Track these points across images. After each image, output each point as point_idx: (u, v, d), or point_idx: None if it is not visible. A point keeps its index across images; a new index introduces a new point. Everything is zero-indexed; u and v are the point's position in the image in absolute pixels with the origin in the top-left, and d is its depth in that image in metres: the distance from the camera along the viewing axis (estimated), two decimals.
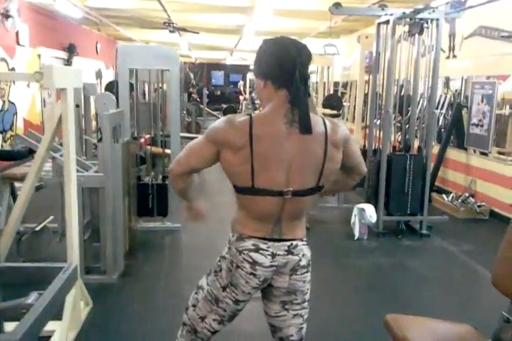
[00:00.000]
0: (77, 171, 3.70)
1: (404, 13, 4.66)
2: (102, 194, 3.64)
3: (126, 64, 4.75)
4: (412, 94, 5.17)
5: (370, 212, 4.80)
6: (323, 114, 8.30)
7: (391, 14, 4.70)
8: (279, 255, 1.74)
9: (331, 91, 10.89)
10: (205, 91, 15.64)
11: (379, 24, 5.01)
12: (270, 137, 1.64)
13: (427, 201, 5.00)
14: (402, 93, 5.42)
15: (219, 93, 24.75)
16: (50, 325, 2.91)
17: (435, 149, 6.45)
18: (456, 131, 6.51)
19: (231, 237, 1.80)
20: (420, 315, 2.00)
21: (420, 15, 4.62)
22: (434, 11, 4.67)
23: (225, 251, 1.82)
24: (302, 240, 1.81)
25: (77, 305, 2.99)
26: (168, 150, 5.29)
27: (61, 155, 3.49)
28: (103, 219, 3.71)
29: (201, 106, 15.16)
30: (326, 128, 1.68)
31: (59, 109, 2.80)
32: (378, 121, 5.47)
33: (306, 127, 1.63)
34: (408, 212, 5.00)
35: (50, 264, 2.08)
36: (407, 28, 5.01)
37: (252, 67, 1.69)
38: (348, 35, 11.21)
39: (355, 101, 9.47)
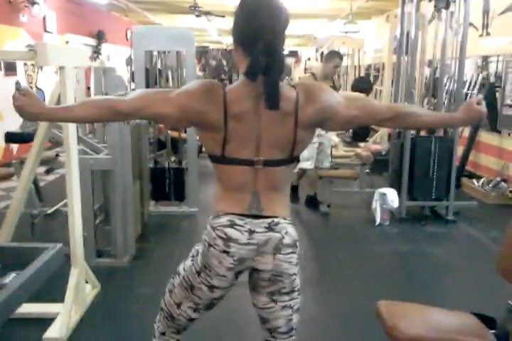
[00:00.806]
0: (87, 154, 3.69)
1: None
2: (112, 177, 3.60)
3: (141, 46, 4.68)
4: (440, 74, 4.93)
5: (392, 196, 4.61)
6: None
7: None
8: (257, 232, 1.60)
9: (362, 75, 10.63)
10: (235, 77, 15.57)
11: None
12: (241, 113, 1.53)
13: (453, 185, 4.77)
14: (436, 75, 5.20)
15: None
16: (55, 307, 2.93)
17: (466, 132, 6.19)
18: (488, 113, 6.19)
19: (209, 217, 1.69)
20: (437, 305, 1.86)
21: None
22: None
23: (202, 235, 1.71)
24: (285, 218, 1.67)
25: (81, 287, 2.96)
26: (184, 135, 5.22)
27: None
28: (113, 202, 3.66)
29: None
30: (297, 100, 1.54)
31: (58, 88, 2.74)
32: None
33: (272, 103, 1.49)
34: (433, 196, 4.79)
35: (37, 244, 2.02)
36: (433, 4, 4.77)
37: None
38: (379, 17, 10.88)
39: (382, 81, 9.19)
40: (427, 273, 3.71)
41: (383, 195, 4.64)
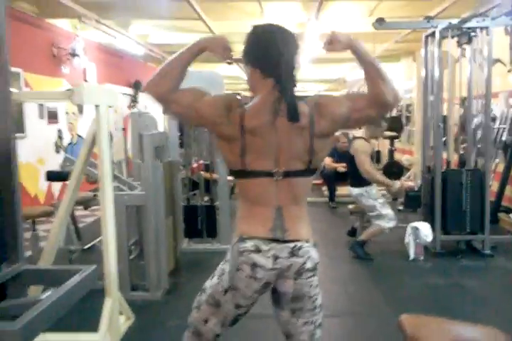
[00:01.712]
0: (121, 190, 3.84)
1: (450, 23, 4.52)
2: (144, 212, 3.71)
3: None
4: (467, 110, 4.95)
5: (425, 230, 4.57)
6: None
7: (437, 26, 4.57)
8: (281, 257, 1.68)
9: (394, 115, 10.77)
10: None
11: (426, 37, 4.89)
12: (258, 127, 1.64)
13: (487, 218, 4.69)
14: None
15: None
16: (88, 337, 2.99)
17: (500, 167, 6.12)
18: None
19: (233, 239, 1.75)
20: None
21: (468, 25, 4.47)
22: (484, 20, 4.49)
23: (228, 254, 1.78)
24: (307, 241, 1.73)
25: (115, 317, 3.02)
26: (215, 175, 5.35)
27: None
28: (146, 237, 3.76)
29: None
30: (311, 114, 1.66)
31: (93, 126, 2.91)
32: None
33: (293, 116, 1.62)
34: (468, 230, 4.72)
35: (72, 266, 2.13)
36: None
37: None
38: (408, 58, 11.04)
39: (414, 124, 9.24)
40: (464, 306, 3.61)
41: (416, 229, 4.60)
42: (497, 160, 6.15)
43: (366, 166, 4.55)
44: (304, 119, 1.64)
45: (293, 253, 1.68)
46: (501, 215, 5.91)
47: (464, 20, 4.44)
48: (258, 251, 1.67)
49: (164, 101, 1.67)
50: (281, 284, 1.72)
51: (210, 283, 1.82)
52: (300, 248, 1.69)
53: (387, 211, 4.66)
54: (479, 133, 5.11)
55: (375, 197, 4.68)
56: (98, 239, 4.21)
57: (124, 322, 3.22)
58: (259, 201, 1.71)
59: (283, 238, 1.68)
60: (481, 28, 4.55)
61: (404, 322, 1.59)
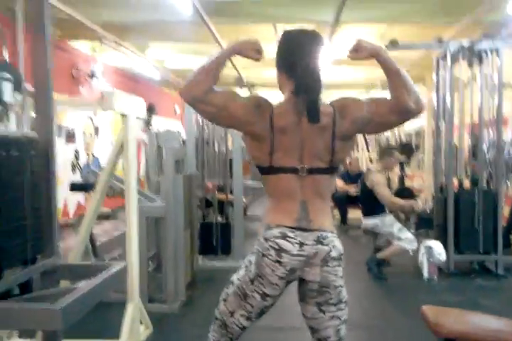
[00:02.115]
0: (142, 201, 3.91)
1: (461, 44, 4.65)
2: (164, 223, 3.78)
3: (191, 110, 5.03)
4: (480, 130, 5.03)
5: (439, 249, 4.60)
6: None
7: (448, 47, 4.71)
8: (307, 244, 1.75)
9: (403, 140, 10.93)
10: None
11: (437, 60, 5.02)
12: (286, 126, 1.75)
13: (500, 238, 4.72)
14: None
15: None
16: None
17: (510, 191, 6.18)
18: None
19: (260, 230, 1.84)
20: None
21: (479, 46, 4.60)
22: (493, 41, 4.63)
23: (255, 245, 1.85)
24: (332, 232, 1.82)
25: (136, 325, 3.06)
26: (231, 196, 5.43)
27: None
28: (164, 248, 3.82)
29: None
30: (334, 115, 1.76)
31: (120, 135, 3.02)
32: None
33: (313, 117, 1.72)
34: (481, 251, 4.74)
35: (103, 262, 2.20)
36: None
37: None
38: (417, 84, 11.22)
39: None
40: None
41: (430, 248, 4.63)
42: (508, 182, 6.20)
43: (389, 198, 4.78)
44: (326, 120, 1.75)
45: (318, 241, 1.76)
46: None
47: (475, 41, 4.57)
48: (284, 237, 1.75)
49: (200, 102, 1.74)
50: (308, 272, 1.78)
51: (237, 275, 1.89)
52: (325, 237, 1.78)
53: (407, 235, 4.76)
54: (489, 157, 5.20)
55: (390, 224, 4.77)
56: (116, 255, 4.26)
57: (144, 331, 3.25)
58: (286, 195, 1.80)
59: (308, 227, 1.77)
60: (491, 50, 4.68)
61: (427, 311, 1.65)
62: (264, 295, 1.79)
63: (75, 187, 3.90)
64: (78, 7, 5.62)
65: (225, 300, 1.89)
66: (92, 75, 8.00)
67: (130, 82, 10.21)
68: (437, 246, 4.61)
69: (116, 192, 4.06)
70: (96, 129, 8.67)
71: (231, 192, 5.57)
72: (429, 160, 8.44)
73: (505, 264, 4.77)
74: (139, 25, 6.73)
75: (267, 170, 1.80)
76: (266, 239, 1.77)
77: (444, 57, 4.84)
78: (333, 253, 1.78)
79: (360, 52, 1.76)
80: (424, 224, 5.89)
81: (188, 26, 6.55)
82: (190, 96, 1.75)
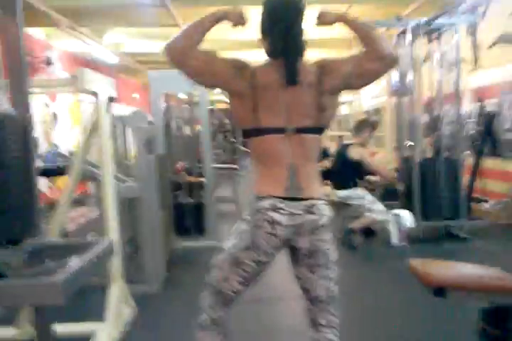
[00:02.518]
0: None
1: (420, 21, 4.79)
2: (139, 204, 3.79)
3: (157, 89, 5.02)
4: (439, 101, 5.20)
5: (406, 216, 4.77)
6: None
7: (407, 24, 4.84)
8: (297, 214, 1.80)
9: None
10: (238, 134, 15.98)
11: (398, 36, 5.14)
12: (267, 84, 1.79)
13: (464, 204, 4.93)
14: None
15: None
16: (94, 326, 3.02)
17: (470, 161, 6.41)
18: (489, 140, 6.44)
19: (250, 199, 1.87)
20: None
21: (437, 22, 4.74)
22: (450, 18, 4.78)
23: (245, 213, 1.89)
24: (320, 199, 1.86)
25: (120, 307, 3.07)
26: (202, 179, 5.46)
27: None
28: (141, 229, 3.83)
29: (236, 145, 15.45)
30: (318, 73, 1.81)
31: (93, 113, 3.00)
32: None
33: (290, 79, 1.78)
34: (446, 216, 4.94)
35: (89, 240, 2.21)
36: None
37: None
38: None
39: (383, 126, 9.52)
40: None
41: (397, 216, 4.80)
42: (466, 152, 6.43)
43: (383, 167, 5.22)
44: (310, 77, 1.80)
45: (308, 210, 1.81)
46: (473, 205, 6.17)
47: (433, 18, 4.71)
48: (275, 209, 1.78)
49: (185, 56, 1.75)
50: (298, 240, 1.83)
51: (229, 243, 1.91)
52: (314, 205, 1.82)
53: (378, 206, 4.91)
54: (448, 130, 5.41)
55: (362, 196, 4.92)
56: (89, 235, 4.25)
57: (128, 312, 3.27)
58: (273, 159, 1.83)
59: (298, 196, 1.81)
60: (449, 26, 4.83)
61: (414, 264, 1.74)
62: (258, 262, 1.83)
63: (49, 172, 3.83)
64: None
65: (217, 267, 1.91)
66: (48, 62, 7.80)
67: (86, 68, 10.00)
68: (405, 214, 4.78)
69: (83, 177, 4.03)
70: (54, 116, 8.48)
71: (199, 175, 5.60)
72: (390, 136, 8.66)
73: (469, 228, 4.99)
74: (96, 10, 6.61)
75: (252, 132, 1.82)
76: (257, 211, 1.80)
77: (404, 33, 4.96)
78: (322, 221, 1.83)
79: (325, 17, 1.86)
80: (389, 196, 6.06)
81: (147, 10, 6.48)
82: (176, 49, 1.76)
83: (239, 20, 1.83)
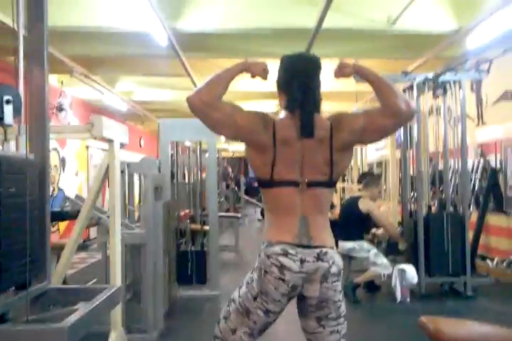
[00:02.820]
0: (121, 230, 3.90)
1: (426, 77, 4.93)
2: (144, 251, 3.77)
3: (167, 137, 5.12)
4: (445, 158, 5.25)
5: (412, 272, 4.72)
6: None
7: (414, 79, 4.97)
8: (308, 261, 1.80)
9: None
10: (243, 179, 16.06)
11: (404, 90, 5.27)
12: (287, 138, 1.84)
13: (469, 261, 4.89)
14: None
15: (256, 185, 25.14)
16: None
17: (474, 217, 6.41)
18: (493, 196, 6.47)
19: (261, 246, 1.87)
20: None
21: (442, 78, 4.88)
22: (455, 74, 4.92)
23: (256, 262, 1.88)
24: (332, 248, 1.87)
25: None
26: (206, 227, 5.46)
27: (107, 217, 3.70)
28: (144, 276, 3.80)
29: (239, 193, 15.50)
30: (331, 128, 1.86)
31: (106, 159, 3.04)
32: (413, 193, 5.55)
33: (306, 131, 1.83)
34: (450, 273, 4.89)
35: (95, 286, 2.20)
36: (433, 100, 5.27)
37: None
38: None
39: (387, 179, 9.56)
40: None
41: (402, 271, 4.74)
42: (471, 209, 6.44)
43: (390, 222, 5.30)
44: (323, 133, 1.85)
45: (319, 257, 1.81)
46: (478, 262, 6.12)
47: (439, 74, 4.85)
48: (285, 254, 1.79)
49: (209, 107, 1.79)
50: (308, 288, 1.82)
51: (238, 293, 1.90)
52: (325, 253, 1.83)
53: (382, 260, 4.89)
54: (452, 184, 5.44)
55: (367, 250, 4.91)
56: (92, 282, 4.20)
57: None
58: (286, 210, 1.86)
59: (309, 244, 1.82)
60: (454, 82, 4.97)
61: (426, 321, 1.72)
62: (267, 312, 1.82)
63: (53, 217, 3.82)
64: (50, 40, 5.65)
65: (226, 318, 1.89)
66: (60, 108, 7.98)
67: (96, 115, 10.19)
68: (410, 269, 4.73)
69: (90, 224, 4.04)
70: (62, 160, 8.59)
71: (203, 222, 5.61)
72: (394, 188, 8.69)
73: (473, 285, 4.92)
74: (109, 59, 6.81)
75: (267, 183, 1.86)
76: (268, 256, 1.81)
77: (410, 88, 5.09)
78: (333, 270, 1.83)
79: (344, 69, 1.92)
80: (393, 250, 6.03)
81: (160, 60, 6.68)
82: (200, 100, 1.79)
83: (261, 73, 1.91)
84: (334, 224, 5.55)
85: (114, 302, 2.09)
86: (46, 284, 2.15)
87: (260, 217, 13.70)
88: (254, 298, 1.83)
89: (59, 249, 4.56)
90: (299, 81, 1.87)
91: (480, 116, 6.92)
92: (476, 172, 6.72)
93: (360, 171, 11.21)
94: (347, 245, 4.96)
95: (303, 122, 1.84)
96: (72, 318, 1.63)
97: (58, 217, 3.92)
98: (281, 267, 1.78)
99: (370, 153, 12.09)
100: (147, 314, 3.76)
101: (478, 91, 6.88)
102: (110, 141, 2.97)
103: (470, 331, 1.69)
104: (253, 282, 1.85)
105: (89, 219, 3.15)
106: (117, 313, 3.01)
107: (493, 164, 6.65)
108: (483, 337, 1.67)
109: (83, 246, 4.86)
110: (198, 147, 6.06)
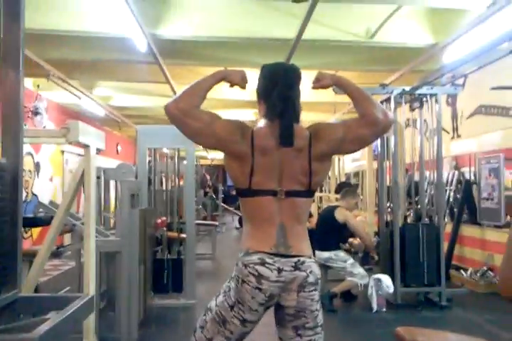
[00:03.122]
0: (96, 237, 3.83)
1: (403, 89, 4.99)
2: (119, 259, 3.71)
3: (145, 144, 5.06)
4: (421, 170, 5.30)
5: (387, 282, 4.74)
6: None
7: (391, 92, 5.03)
8: (285, 270, 1.78)
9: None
10: (221, 187, 15.99)
11: (381, 103, 5.32)
12: (265, 148, 1.82)
13: (443, 271, 4.93)
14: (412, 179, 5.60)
15: (234, 193, 25.12)
16: None
17: (448, 228, 6.49)
18: (468, 207, 6.56)
19: (239, 255, 1.85)
20: None
21: (419, 91, 4.95)
22: (432, 88, 4.99)
23: (233, 271, 1.85)
24: (310, 257, 1.86)
25: None
26: (183, 235, 5.41)
27: (82, 223, 3.63)
28: (119, 284, 3.73)
29: (217, 201, 15.42)
30: (310, 138, 1.85)
31: (81, 166, 2.99)
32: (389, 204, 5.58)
33: (286, 141, 1.81)
34: (425, 282, 4.92)
35: (67, 294, 2.14)
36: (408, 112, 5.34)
37: None
38: None
39: (364, 189, 9.63)
40: None
41: (378, 280, 4.76)
42: (445, 220, 6.52)
43: (365, 232, 5.27)
44: (302, 143, 1.84)
45: (296, 267, 1.79)
46: (452, 272, 6.18)
47: (416, 87, 4.92)
48: (263, 263, 1.77)
49: (187, 115, 1.78)
50: (285, 297, 1.80)
51: (215, 302, 1.87)
52: (303, 262, 1.81)
53: (358, 270, 4.92)
54: (427, 195, 5.50)
55: (344, 259, 4.93)
56: (65, 290, 4.11)
57: None
58: (264, 219, 1.83)
59: (287, 253, 1.80)
60: (431, 95, 5.04)
61: (402, 332, 1.71)
62: (244, 321, 1.79)
63: (26, 223, 3.73)
64: (28, 43, 5.56)
65: (202, 327, 1.86)
66: (35, 112, 7.86)
67: (73, 120, 10.06)
68: (386, 279, 4.74)
69: (64, 230, 3.96)
70: (36, 165, 8.44)
71: (180, 230, 5.55)
72: (371, 199, 8.74)
73: (447, 295, 4.95)
74: (86, 63, 6.74)
75: (246, 193, 1.84)
76: (245, 265, 1.78)
77: (387, 100, 5.15)
78: (310, 279, 1.81)
79: (322, 80, 1.92)
80: (368, 260, 6.06)
81: (139, 66, 6.64)
82: (177, 109, 1.78)
83: (240, 82, 1.90)
84: (311, 233, 5.61)
85: (87, 311, 2.03)
86: (16, 292, 2.09)
87: (238, 226, 13.66)
88: (231, 307, 1.80)
89: (31, 255, 4.46)
90: (279, 90, 1.86)
91: (455, 130, 7.04)
92: (451, 184, 6.81)
93: (338, 181, 11.30)
94: (324, 255, 4.96)
95: (282, 131, 1.82)
96: (43, 328, 1.58)
97: (31, 223, 3.83)
98: (259, 276, 1.76)
99: (348, 164, 12.18)
100: (121, 323, 3.69)
101: (453, 105, 7.00)
102: (86, 147, 2.92)
103: None
104: (230, 291, 1.83)
105: (62, 226, 3.08)
106: (90, 322, 2.94)
107: (467, 176, 6.76)
108: None
109: (57, 253, 4.74)
110: (176, 154, 6.00)
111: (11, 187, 2.07)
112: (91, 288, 2.92)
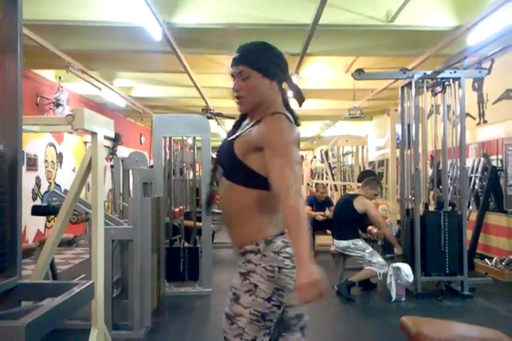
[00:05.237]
0: (108, 225, 3.83)
1: (425, 73, 4.83)
2: (131, 247, 3.70)
3: (160, 133, 5.04)
4: (443, 162, 5.14)
5: (407, 271, 4.63)
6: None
7: (412, 76, 4.88)
8: None
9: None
10: None
11: (402, 88, 5.18)
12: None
13: (466, 260, 4.80)
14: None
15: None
16: None
17: (473, 216, 6.32)
18: (494, 195, 6.37)
19: (259, 249, 1.74)
20: None
21: (442, 75, 4.78)
22: (455, 71, 4.82)
23: (249, 267, 1.75)
24: None
25: None
26: (198, 223, 5.38)
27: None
28: (130, 273, 3.73)
29: None
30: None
31: (89, 153, 2.97)
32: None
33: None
34: (447, 271, 4.80)
35: (68, 281, 2.12)
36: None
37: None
38: (380, 116, 11.52)
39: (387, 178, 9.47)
40: None
41: (398, 269, 4.66)
42: (470, 207, 6.34)
43: (383, 221, 5.14)
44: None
45: None
46: (477, 261, 6.03)
47: (438, 71, 4.75)
48: (287, 244, 1.72)
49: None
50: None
51: (241, 306, 1.74)
52: None
53: (377, 259, 4.82)
54: (452, 183, 5.35)
55: (362, 248, 4.83)
56: (80, 277, 4.14)
57: None
58: (278, 210, 1.71)
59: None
60: (454, 79, 4.86)
61: (407, 322, 1.63)
62: (281, 305, 1.73)
63: (37, 211, 3.77)
64: (46, 35, 5.59)
65: (240, 335, 1.72)
66: (57, 103, 7.93)
67: (96, 111, 10.09)
68: (406, 268, 4.64)
69: (80, 219, 3.98)
70: (59, 156, 8.54)
71: (197, 219, 5.53)
72: (393, 188, 8.58)
73: (470, 285, 4.83)
74: (106, 54, 6.74)
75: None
76: (276, 253, 1.72)
77: (409, 85, 4.99)
78: None
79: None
80: (390, 249, 5.94)
81: (156, 56, 6.60)
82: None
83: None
84: (329, 222, 5.54)
85: (86, 298, 2.01)
86: (16, 279, 2.08)
87: None
88: (269, 299, 1.71)
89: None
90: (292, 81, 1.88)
91: (481, 115, 6.82)
92: (477, 170, 6.61)
93: (362, 169, 11.13)
94: (342, 243, 4.88)
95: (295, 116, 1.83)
96: (33, 316, 1.55)
97: (44, 211, 3.85)
98: (291, 257, 1.70)
99: (371, 152, 12.00)
100: (134, 310, 3.69)
101: (479, 89, 6.78)
102: (93, 134, 2.89)
103: (453, 334, 1.61)
104: (259, 286, 1.72)
105: (71, 214, 3.08)
106: (98, 309, 2.93)
107: (494, 163, 6.55)
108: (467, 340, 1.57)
109: (72, 241, 4.79)
110: (192, 143, 5.97)
111: (10, 174, 2.06)
112: (99, 274, 2.91)
